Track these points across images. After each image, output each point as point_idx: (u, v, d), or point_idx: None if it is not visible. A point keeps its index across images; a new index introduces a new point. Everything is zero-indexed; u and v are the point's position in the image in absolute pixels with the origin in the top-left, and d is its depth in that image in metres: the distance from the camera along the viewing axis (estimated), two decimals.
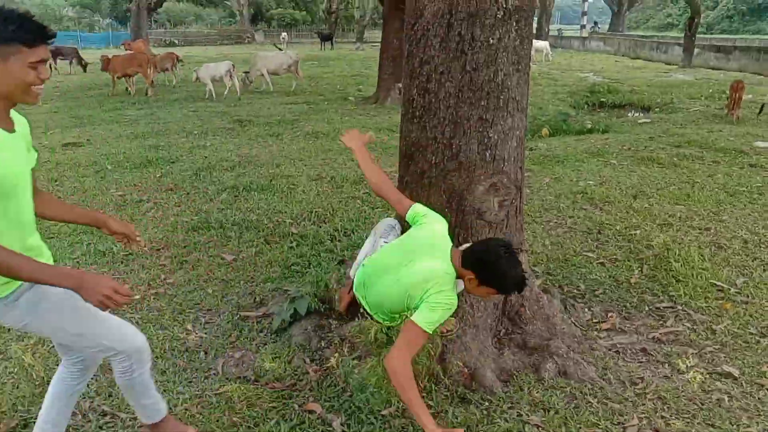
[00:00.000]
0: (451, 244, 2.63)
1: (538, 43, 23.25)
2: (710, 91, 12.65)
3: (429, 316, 2.37)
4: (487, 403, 2.80)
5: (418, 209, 2.77)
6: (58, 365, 2.42)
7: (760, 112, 9.41)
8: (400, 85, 11.95)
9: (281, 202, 5.86)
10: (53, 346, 3.07)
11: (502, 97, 3.02)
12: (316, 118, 10.84)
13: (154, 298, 3.94)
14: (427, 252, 2.58)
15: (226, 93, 14.09)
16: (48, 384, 2.42)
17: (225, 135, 9.38)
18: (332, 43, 32.45)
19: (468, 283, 2.47)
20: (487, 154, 3.07)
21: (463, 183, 3.11)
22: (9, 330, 3.41)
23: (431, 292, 2.42)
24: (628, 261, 4.38)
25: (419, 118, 3.14)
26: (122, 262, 4.53)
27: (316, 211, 5.54)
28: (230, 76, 13.94)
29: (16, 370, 3.13)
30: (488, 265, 2.40)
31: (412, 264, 2.56)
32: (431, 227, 2.69)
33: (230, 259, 4.55)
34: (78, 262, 4.52)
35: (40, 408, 2.41)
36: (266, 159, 7.66)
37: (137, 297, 2.79)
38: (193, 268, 4.42)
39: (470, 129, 3.03)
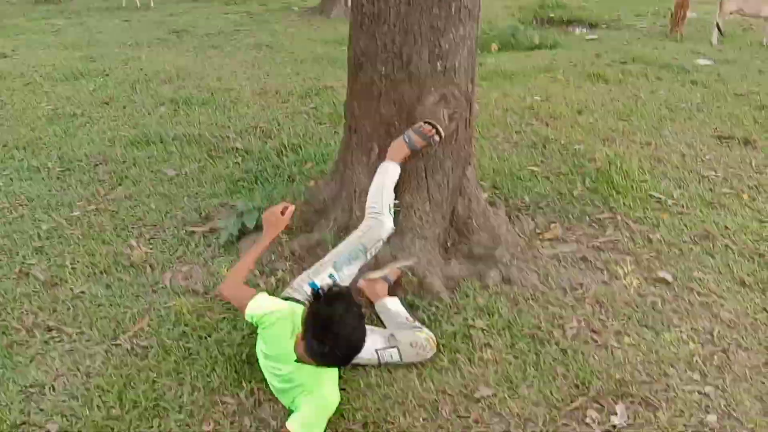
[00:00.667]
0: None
1: None
2: (656, 8, 12.69)
3: (307, 420, 2.12)
4: (434, 309, 2.88)
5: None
6: None
7: (720, 33, 9.43)
8: None
9: (224, 117, 5.68)
10: None
11: (453, 4, 2.93)
12: (259, 29, 10.39)
13: (94, 214, 3.82)
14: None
15: None
16: None
17: (161, 46, 8.91)
18: None
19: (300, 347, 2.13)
20: (438, 64, 3.01)
21: (413, 94, 3.05)
22: None
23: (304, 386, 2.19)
24: (572, 174, 4.47)
25: (368, 26, 3.03)
26: (58, 178, 4.34)
27: (260, 126, 5.40)
28: None
29: None
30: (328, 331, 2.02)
31: None
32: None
33: (173, 174, 4.42)
34: (11, 178, 4.31)
35: None
36: (206, 72, 7.34)
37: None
38: (133, 183, 4.28)
39: (421, 37, 2.95)
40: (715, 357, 2.66)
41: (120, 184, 4.25)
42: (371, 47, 3.06)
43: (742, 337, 2.78)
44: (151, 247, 3.47)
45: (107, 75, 7.10)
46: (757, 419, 2.32)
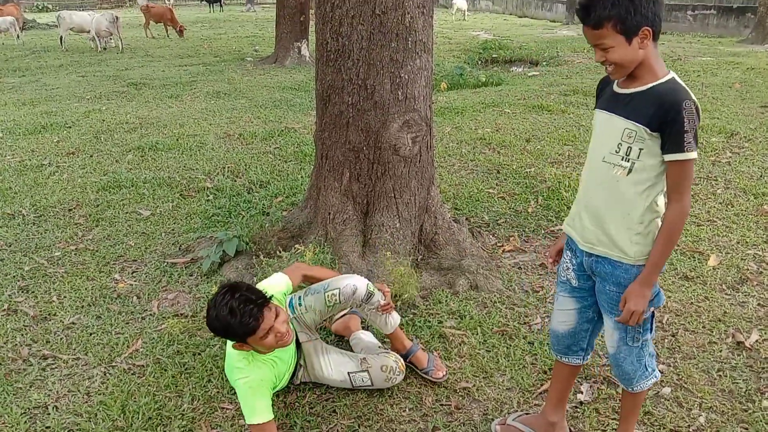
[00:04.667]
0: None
1: (459, 2, 24.37)
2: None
3: (244, 408, 2.22)
4: (411, 315, 3.12)
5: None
6: None
7: None
8: (299, 44, 11.98)
9: (191, 160, 5.87)
10: None
11: (410, 38, 3.26)
12: (215, 78, 10.66)
13: (75, 254, 3.94)
14: None
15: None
16: None
17: (120, 98, 9.07)
18: (221, 5, 31.34)
19: (249, 348, 2.28)
20: (400, 93, 3.33)
21: (378, 121, 3.35)
22: None
23: (231, 381, 2.35)
24: (525, 194, 4.81)
25: (334, 61, 3.33)
26: (34, 224, 4.45)
27: (228, 167, 5.61)
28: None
29: None
30: (216, 330, 2.22)
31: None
32: None
33: (147, 214, 4.58)
34: None
35: None
36: (168, 120, 7.54)
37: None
38: (110, 224, 4.42)
39: (383, 69, 3.27)
40: (666, 340, 2.95)
41: (97, 226, 4.38)
42: (337, 80, 3.35)
43: (688, 323, 3.09)
44: (135, 279, 3.62)
45: (70, 127, 7.22)
46: (705, 388, 2.60)
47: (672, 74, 1.77)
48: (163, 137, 6.66)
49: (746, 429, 2.37)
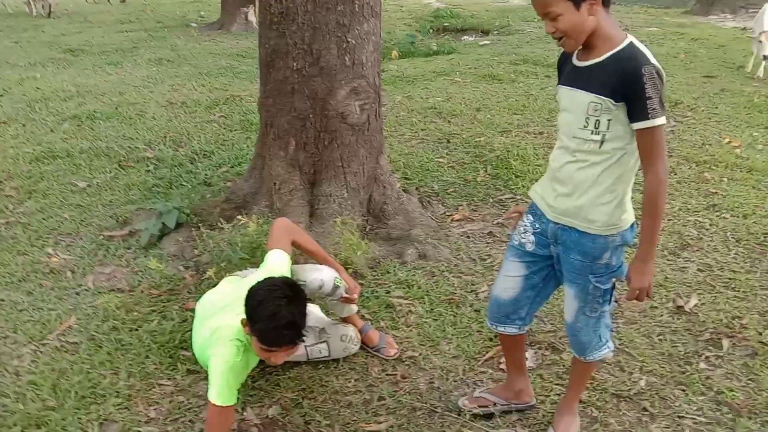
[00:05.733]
0: None
1: None
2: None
3: (215, 385, 2.03)
4: (359, 285, 3.06)
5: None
6: None
7: None
8: (246, 9, 11.62)
9: (131, 129, 5.63)
10: None
11: (357, 2, 3.16)
12: (158, 45, 10.24)
13: (5, 228, 3.74)
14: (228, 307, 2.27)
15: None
16: None
17: (56, 65, 8.63)
18: None
19: (255, 344, 2.11)
20: (347, 59, 3.22)
21: (325, 88, 3.25)
22: None
23: (211, 351, 2.13)
24: (475, 164, 4.79)
25: (278, 24, 3.20)
26: None
27: (170, 136, 5.41)
28: None
29: None
30: (252, 309, 2.05)
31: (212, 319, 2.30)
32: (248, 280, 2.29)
33: (84, 185, 4.38)
34: None
35: None
36: (108, 88, 7.21)
37: None
38: (43, 196, 4.20)
39: (329, 34, 3.15)
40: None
41: (29, 198, 4.16)
42: (282, 45, 3.22)
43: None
44: (69, 254, 3.45)
45: (1, 96, 6.84)
46: (646, 352, 2.65)
47: (630, 38, 1.72)
48: (101, 106, 6.36)
49: (683, 390, 2.42)
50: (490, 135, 5.44)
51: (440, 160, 4.87)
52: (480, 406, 2.30)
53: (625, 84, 1.67)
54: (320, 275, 2.39)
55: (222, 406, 2.01)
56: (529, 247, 2.03)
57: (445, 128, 5.67)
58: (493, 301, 2.17)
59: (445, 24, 12.91)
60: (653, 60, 1.68)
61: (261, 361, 2.35)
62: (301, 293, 2.14)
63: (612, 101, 1.70)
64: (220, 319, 2.23)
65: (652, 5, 16.57)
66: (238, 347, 2.11)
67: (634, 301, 1.89)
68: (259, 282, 2.10)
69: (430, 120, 5.95)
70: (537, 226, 2.00)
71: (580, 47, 1.78)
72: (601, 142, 1.75)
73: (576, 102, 1.78)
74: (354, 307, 2.61)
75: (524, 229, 2.04)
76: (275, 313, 1.99)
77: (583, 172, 1.82)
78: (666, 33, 10.89)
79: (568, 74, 1.83)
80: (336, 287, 2.42)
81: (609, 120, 1.72)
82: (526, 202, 4.10)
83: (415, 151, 5.05)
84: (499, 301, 2.14)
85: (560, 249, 1.94)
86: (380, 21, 3.39)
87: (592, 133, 1.75)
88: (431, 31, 12.53)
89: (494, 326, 2.19)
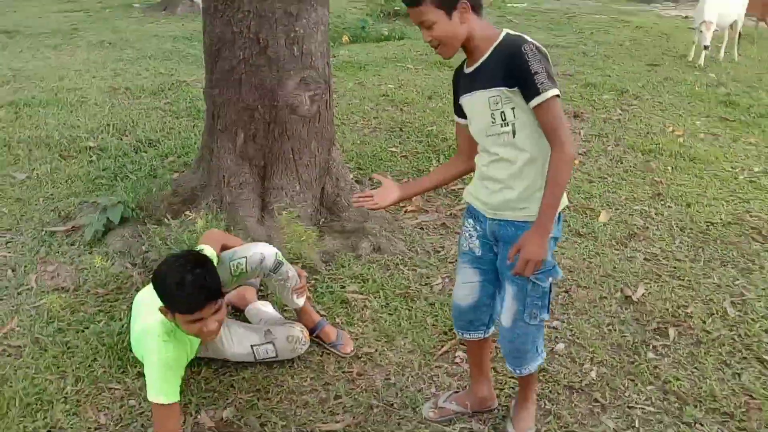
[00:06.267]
0: None
1: None
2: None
3: (153, 384, 2.02)
4: (313, 281, 3.03)
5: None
6: None
7: None
8: None
9: (72, 116, 5.41)
10: None
11: None
12: (99, 26, 9.86)
13: None
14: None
15: None
16: None
17: None
18: None
19: (171, 318, 2.10)
20: (295, 49, 3.16)
21: (273, 78, 3.17)
22: None
23: (143, 352, 2.16)
24: (428, 153, 4.79)
25: (222, 12, 3.10)
26: None
27: (114, 124, 5.21)
28: None
29: None
30: (161, 287, 2.05)
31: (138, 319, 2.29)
32: None
33: (23, 177, 4.19)
34: None
35: None
36: (46, 72, 6.90)
37: None
38: None
39: (276, 23, 3.08)
40: (560, 296, 3.04)
41: None
42: (227, 33, 3.13)
43: (581, 278, 3.20)
44: (9, 251, 3.30)
45: None
46: (596, 343, 2.71)
47: (505, 31, 1.81)
48: (40, 92, 6.08)
49: (633, 380, 2.49)
50: (442, 124, 5.44)
51: (393, 149, 4.85)
52: (443, 417, 2.29)
53: (510, 67, 1.74)
54: (260, 249, 2.42)
55: (165, 405, 2.00)
56: (477, 252, 2.03)
57: (398, 116, 5.65)
58: (455, 308, 2.17)
59: (396, 8, 12.82)
60: (531, 39, 1.75)
61: (204, 357, 2.30)
62: (204, 257, 2.13)
63: (506, 88, 1.77)
64: (144, 319, 2.22)
65: None
66: (166, 341, 2.10)
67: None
68: (159, 264, 2.11)
69: (383, 108, 5.92)
70: (478, 228, 2.01)
71: (465, 57, 1.88)
72: (513, 132, 1.80)
73: (477, 104, 1.84)
74: (303, 299, 2.59)
75: (469, 234, 2.05)
76: (182, 278, 1.99)
77: (508, 166, 1.85)
78: (611, 21, 11.11)
79: (464, 85, 1.91)
80: (279, 263, 2.44)
81: (513, 108, 1.78)
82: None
83: (367, 140, 5.02)
84: (460, 308, 2.14)
85: (500, 246, 1.95)
86: (328, 9, 3.32)
87: (501, 126, 1.81)
88: (382, 15, 12.44)
89: (460, 333, 2.20)
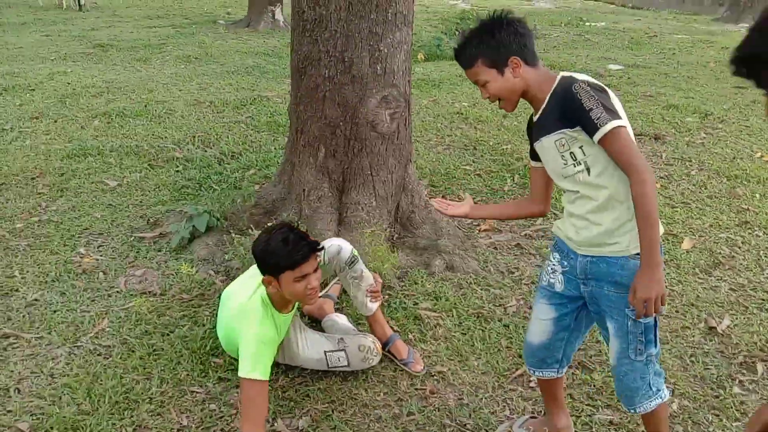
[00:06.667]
0: None
1: None
2: (569, 18, 13.47)
3: (247, 357, 2.13)
4: (386, 296, 3.07)
5: None
6: None
7: None
8: (273, 7, 11.66)
9: (160, 127, 5.68)
10: None
11: (390, 10, 3.15)
12: (185, 41, 10.33)
13: (38, 226, 3.80)
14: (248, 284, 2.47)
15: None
16: None
17: (86, 60, 8.74)
18: None
19: (274, 289, 2.27)
20: (378, 67, 3.22)
21: (356, 96, 3.25)
22: None
23: (238, 327, 2.28)
24: (501, 172, 4.77)
25: (310, 31, 3.21)
26: None
27: (198, 136, 5.45)
28: None
29: None
30: (264, 254, 2.23)
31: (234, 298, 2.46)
32: None
33: (114, 185, 4.43)
34: None
35: None
36: (136, 84, 7.28)
37: None
38: (75, 194, 4.26)
39: (361, 42, 3.16)
40: None
41: (61, 196, 4.22)
42: (314, 52, 3.23)
43: None
44: (101, 254, 3.50)
45: (33, 90, 6.93)
46: (678, 374, 2.62)
47: (560, 74, 1.83)
48: (130, 103, 6.43)
49: (717, 416, 2.39)
50: (517, 143, 5.41)
51: (467, 167, 4.86)
52: None
53: (564, 109, 1.77)
54: (337, 242, 2.61)
55: (258, 380, 2.09)
56: (558, 288, 2.00)
57: (472, 134, 5.65)
58: (527, 345, 2.15)
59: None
60: (582, 77, 1.78)
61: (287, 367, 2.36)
62: (291, 224, 2.37)
63: (568, 129, 1.78)
64: (236, 300, 2.41)
65: (681, 12, 16.37)
66: (263, 318, 2.23)
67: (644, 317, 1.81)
68: (257, 238, 2.31)
69: (457, 126, 5.94)
70: (565, 263, 1.97)
71: (533, 109, 1.91)
72: (588, 170, 1.79)
73: (547, 149, 1.86)
74: (376, 305, 2.65)
75: (552, 269, 2.02)
76: (286, 236, 2.20)
77: (591, 202, 1.83)
78: (695, 41, 10.75)
79: (534, 134, 1.93)
80: (355, 257, 2.57)
81: (581, 147, 1.78)
82: (553, 213, 4.10)
83: (441, 158, 5.04)
84: (531, 347, 2.12)
85: (593, 284, 1.90)
86: (411, 29, 3.38)
87: (574, 166, 1.81)
88: (457, 33, 12.49)
89: (531, 371, 2.18)
